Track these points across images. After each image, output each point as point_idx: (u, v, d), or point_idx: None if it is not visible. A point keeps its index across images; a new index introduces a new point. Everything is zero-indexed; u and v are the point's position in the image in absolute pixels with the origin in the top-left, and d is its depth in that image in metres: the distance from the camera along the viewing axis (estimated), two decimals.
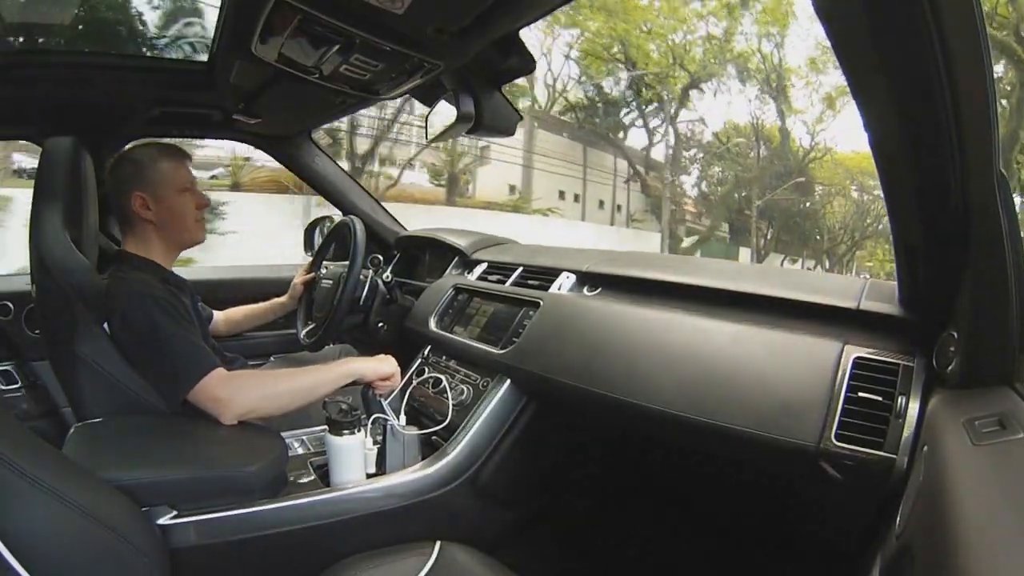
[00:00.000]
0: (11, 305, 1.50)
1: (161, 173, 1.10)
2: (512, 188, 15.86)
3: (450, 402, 1.14)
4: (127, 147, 1.20)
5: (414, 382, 1.25)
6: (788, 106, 17.26)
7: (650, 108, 16.94)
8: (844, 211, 20.38)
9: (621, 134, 17.77)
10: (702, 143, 18.69)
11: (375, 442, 1.06)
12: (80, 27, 1.24)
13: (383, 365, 1.08)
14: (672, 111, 16.79)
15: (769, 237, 19.60)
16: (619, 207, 18.79)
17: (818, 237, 20.02)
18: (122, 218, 1.12)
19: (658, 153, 18.03)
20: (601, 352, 0.98)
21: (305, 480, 1.05)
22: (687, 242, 18.49)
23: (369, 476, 1.00)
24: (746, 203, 18.27)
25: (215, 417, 0.93)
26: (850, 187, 19.04)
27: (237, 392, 0.94)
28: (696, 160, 18.97)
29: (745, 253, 18.69)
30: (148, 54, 1.29)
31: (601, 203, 18.58)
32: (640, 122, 17.55)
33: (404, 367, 1.36)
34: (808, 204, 19.54)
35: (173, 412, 0.96)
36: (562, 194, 17.20)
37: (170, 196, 1.10)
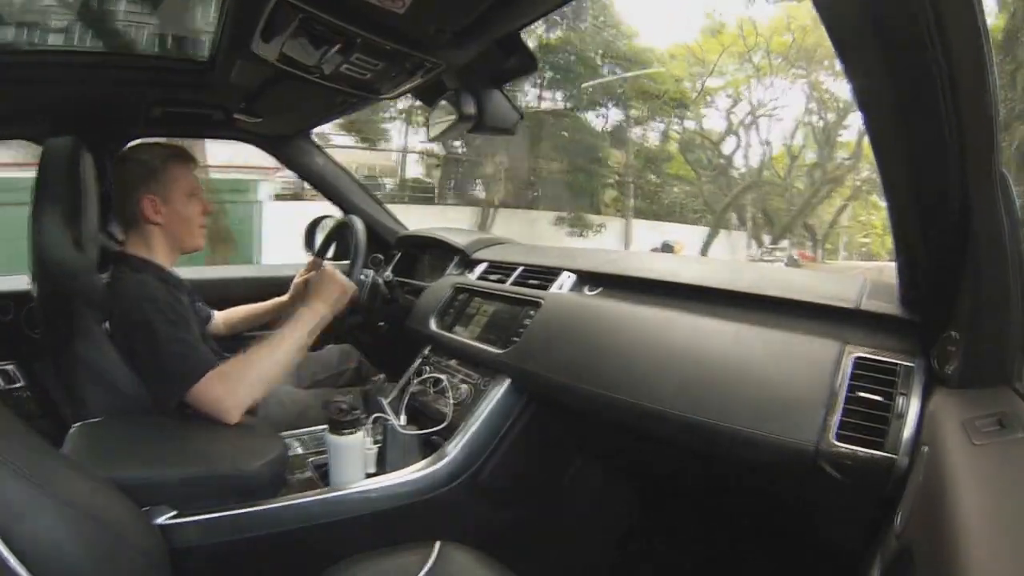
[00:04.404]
0: (11, 305, 1.50)
1: (172, 176, 1.09)
2: None
3: (450, 402, 1.14)
4: (130, 146, 1.19)
5: (414, 382, 1.25)
6: None
7: None
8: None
9: None
10: None
11: (375, 442, 1.06)
12: (80, 27, 1.24)
13: (334, 301, 1.12)
14: None
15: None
16: None
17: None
18: (126, 218, 1.11)
19: None
20: (601, 352, 0.97)
21: (305, 480, 1.05)
22: None
23: (369, 476, 1.00)
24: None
25: (217, 418, 0.93)
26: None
27: (232, 388, 0.94)
28: None
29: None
30: (148, 54, 1.28)
31: None
32: None
33: (404, 367, 1.36)
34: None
35: (174, 412, 0.96)
36: None
37: (179, 200, 1.10)
